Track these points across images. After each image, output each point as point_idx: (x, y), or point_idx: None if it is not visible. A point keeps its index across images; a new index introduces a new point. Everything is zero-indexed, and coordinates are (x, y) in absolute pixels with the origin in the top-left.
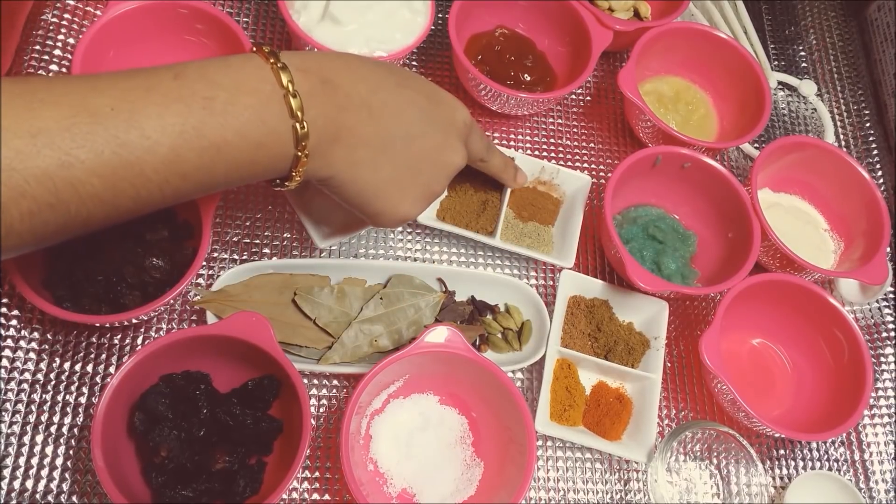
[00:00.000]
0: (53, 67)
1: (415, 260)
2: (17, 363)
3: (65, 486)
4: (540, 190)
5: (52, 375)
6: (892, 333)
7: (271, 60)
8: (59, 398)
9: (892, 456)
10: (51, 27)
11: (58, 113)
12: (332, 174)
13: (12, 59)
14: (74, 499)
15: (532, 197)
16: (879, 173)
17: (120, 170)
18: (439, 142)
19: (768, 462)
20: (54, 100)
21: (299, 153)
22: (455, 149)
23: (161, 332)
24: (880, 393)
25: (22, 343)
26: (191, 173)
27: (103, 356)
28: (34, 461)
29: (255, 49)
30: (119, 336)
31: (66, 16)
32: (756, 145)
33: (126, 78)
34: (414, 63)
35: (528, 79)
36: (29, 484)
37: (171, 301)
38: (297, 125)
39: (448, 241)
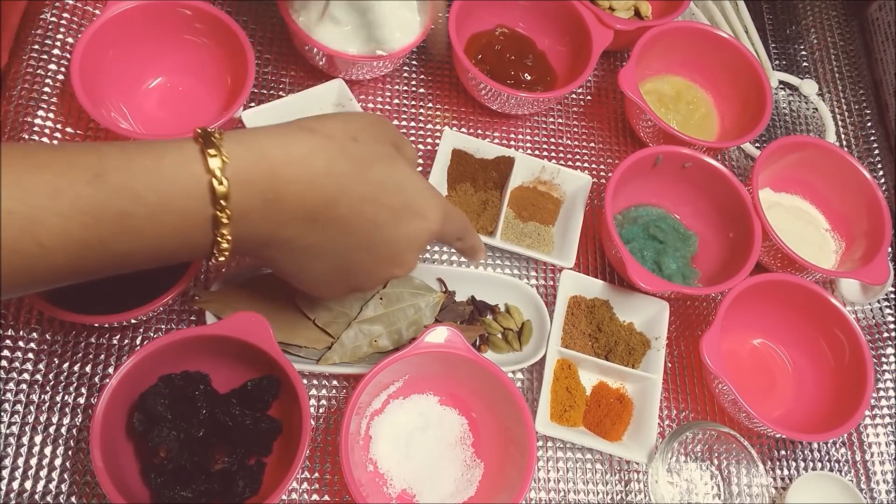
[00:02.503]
0: (52, 67)
1: None
2: (17, 363)
3: (64, 487)
4: (540, 190)
5: (51, 376)
6: (893, 333)
7: (211, 167)
8: (59, 398)
9: (893, 456)
10: (50, 26)
11: None
12: (260, 259)
13: (8, 57)
14: (73, 499)
15: (532, 197)
16: (881, 173)
17: (7, 273)
18: (387, 256)
19: (769, 463)
20: None
21: (216, 256)
22: (402, 263)
23: (160, 333)
24: (881, 393)
25: (21, 343)
26: (91, 272)
27: (102, 356)
28: (33, 461)
29: (199, 137)
30: (118, 336)
31: (66, 15)
32: (757, 145)
33: (34, 172)
34: (414, 62)
35: (529, 78)
36: (28, 484)
37: (171, 301)
38: (220, 240)
39: None
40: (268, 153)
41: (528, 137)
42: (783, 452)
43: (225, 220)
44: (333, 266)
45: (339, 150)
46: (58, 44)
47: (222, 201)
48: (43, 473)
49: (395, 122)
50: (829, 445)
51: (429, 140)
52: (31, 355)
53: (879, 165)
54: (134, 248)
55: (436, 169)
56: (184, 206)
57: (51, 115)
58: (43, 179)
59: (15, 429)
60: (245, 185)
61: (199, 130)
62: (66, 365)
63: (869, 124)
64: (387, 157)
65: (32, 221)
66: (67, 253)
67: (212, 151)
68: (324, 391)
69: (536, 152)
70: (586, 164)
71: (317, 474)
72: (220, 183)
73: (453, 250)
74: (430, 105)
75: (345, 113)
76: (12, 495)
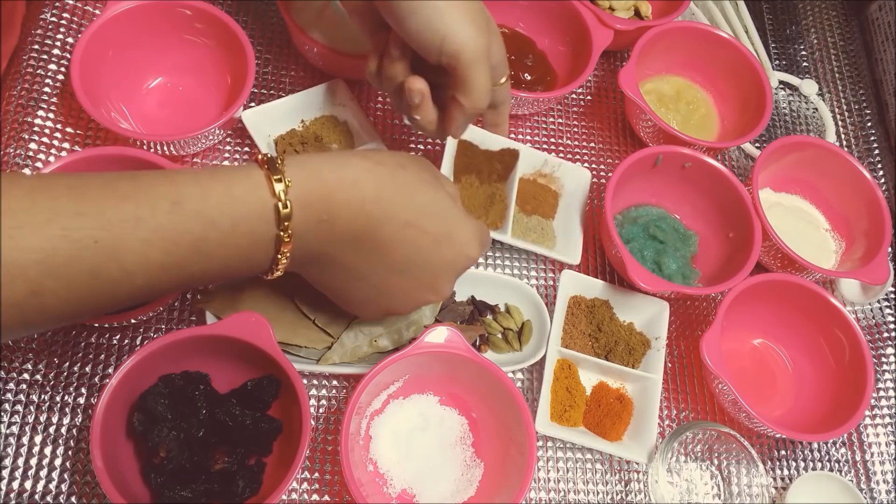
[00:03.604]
0: (52, 67)
1: None
2: (16, 363)
3: (63, 487)
4: (540, 182)
5: (51, 376)
6: (893, 333)
7: (276, 192)
8: (58, 398)
9: (893, 456)
10: (50, 26)
11: (35, 244)
12: (301, 272)
13: (9, 59)
14: (73, 499)
15: (534, 189)
16: (881, 173)
17: (89, 298)
18: (424, 282)
19: (769, 462)
20: (34, 227)
21: (274, 271)
22: (437, 289)
23: (160, 332)
24: (881, 393)
25: (21, 343)
26: (165, 291)
27: (102, 356)
28: (33, 462)
29: (264, 164)
30: (118, 336)
31: (66, 15)
32: (757, 145)
33: (117, 202)
34: None
35: (529, 78)
36: (28, 484)
37: (171, 301)
38: (280, 258)
39: None
40: (324, 177)
41: (529, 137)
42: (783, 452)
43: (287, 240)
44: (372, 287)
45: (388, 175)
46: (58, 44)
47: (285, 223)
48: (43, 473)
49: (395, 121)
50: (829, 445)
51: (429, 140)
52: (31, 355)
53: (879, 165)
54: (206, 269)
55: (446, 161)
56: (252, 229)
57: (51, 115)
58: (125, 209)
59: (15, 429)
60: (304, 207)
61: (263, 157)
62: (66, 365)
63: (869, 124)
64: (431, 186)
65: (116, 249)
66: (148, 276)
67: (276, 177)
68: (324, 391)
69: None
70: (586, 164)
71: (317, 474)
72: (285, 206)
73: None
74: None
75: (392, 151)
76: (12, 495)
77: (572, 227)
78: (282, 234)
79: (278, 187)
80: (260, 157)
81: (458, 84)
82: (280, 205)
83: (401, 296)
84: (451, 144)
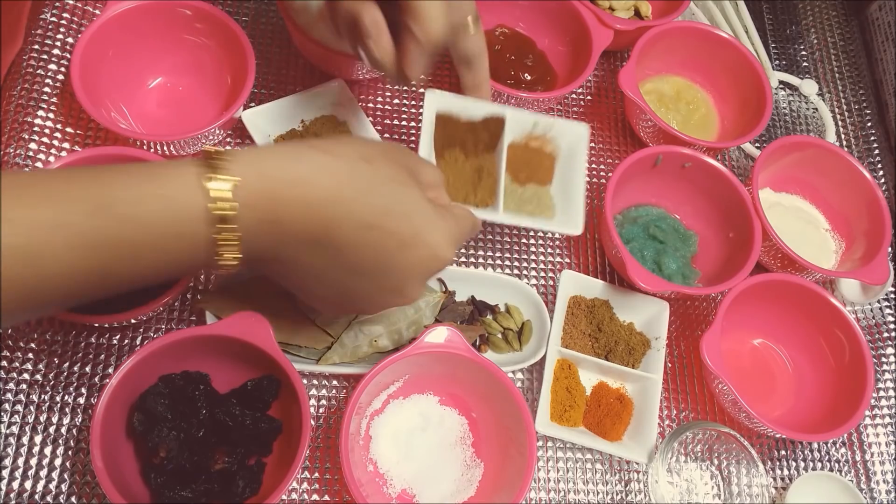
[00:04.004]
0: (52, 67)
1: None
2: (16, 363)
3: (63, 487)
4: (533, 146)
5: (51, 376)
6: (894, 333)
7: (211, 192)
8: (58, 398)
9: (893, 456)
10: (50, 26)
11: None
12: (261, 271)
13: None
14: (73, 499)
15: (526, 155)
16: (881, 173)
17: (13, 308)
18: (390, 285)
19: (769, 463)
20: None
21: (221, 269)
22: (405, 293)
23: (160, 332)
24: (881, 393)
25: (21, 343)
26: (96, 296)
27: (102, 356)
28: (33, 462)
29: (202, 160)
30: (118, 336)
31: (66, 15)
32: (757, 145)
33: (35, 206)
34: None
35: (529, 78)
36: (28, 484)
37: (171, 301)
38: (223, 260)
39: None
40: (270, 173)
41: None
42: (783, 452)
43: (225, 243)
44: (332, 288)
45: (346, 171)
46: (58, 44)
47: (223, 224)
48: (43, 473)
49: (395, 122)
50: (829, 445)
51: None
52: (31, 355)
53: (879, 165)
54: (138, 273)
55: (424, 139)
56: (186, 231)
57: (51, 115)
58: (44, 214)
59: (15, 429)
60: (246, 208)
61: (204, 150)
62: (66, 365)
63: (869, 124)
64: (398, 182)
65: (33, 255)
66: (71, 282)
67: (213, 175)
68: (324, 391)
69: None
70: (586, 164)
71: (317, 474)
72: (222, 209)
73: None
74: None
75: (362, 137)
76: (12, 495)
77: (573, 191)
78: (220, 237)
79: (214, 186)
80: (202, 149)
81: (408, 7)
82: (215, 206)
83: (364, 298)
84: (427, 120)
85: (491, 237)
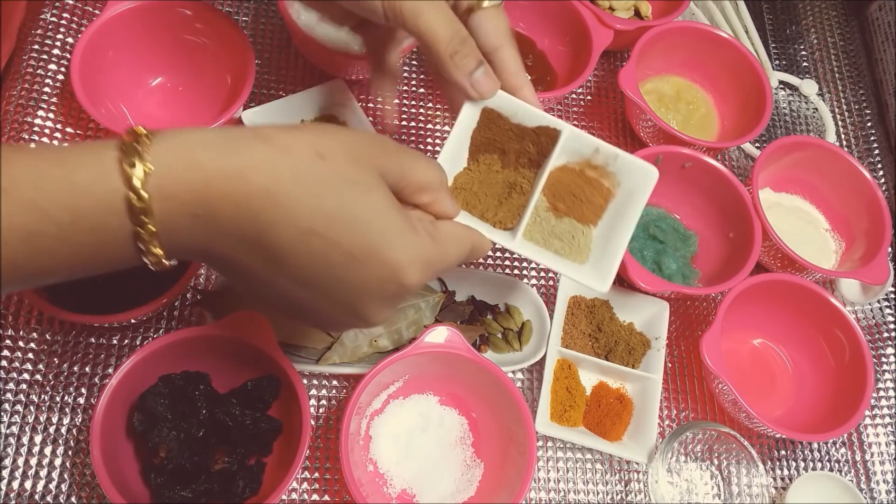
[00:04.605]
0: (52, 67)
1: None
2: (16, 363)
3: (63, 487)
4: (588, 175)
5: (50, 376)
6: (893, 333)
7: (130, 179)
8: (58, 398)
9: (893, 456)
10: (49, 26)
11: None
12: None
13: (8, 60)
14: (73, 499)
15: (576, 184)
16: (881, 173)
17: None
18: (343, 304)
19: (769, 463)
20: None
21: (151, 267)
22: (363, 315)
23: (160, 332)
24: (881, 393)
25: (21, 343)
26: (7, 289)
27: (102, 356)
28: (33, 461)
29: (122, 142)
30: (118, 336)
31: (66, 15)
32: (757, 145)
33: None
34: (414, 62)
35: (529, 78)
36: (28, 484)
37: (171, 301)
38: (148, 256)
39: None
40: (201, 163)
41: None
42: (783, 452)
43: (147, 237)
44: (280, 297)
45: (290, 166)
46: (58, 44)
47: (143, 216)
48: (43, 473)
49: (395, 121)
50: (829, 445)
51: (429, 140)
52: (31, 355)
53: (879, 165)
54: (49, 268)
55: (456, 132)
56: (100, 224)
57: (51, 115)
58: None
59: (15, 429)
60: (169, 199)
61: (130, 130)
62: (66, 365)
63: (869, 124)
64: (356, 185)
65: None
66: None
67: (133, 160)
68: (324, 391)
69: None
70: (640, 213)
71: (317, 474)
72: (139, 198)
73: None
74: (430, 105)
75: (330, 126)
76: (12, 495)
77: (615, 240)
78: (140, 230)
79: (134, 173)
80: (128, 129)
81: (414, 34)
82: (133, 195)
83: (317, 314)
84: (470, 112)
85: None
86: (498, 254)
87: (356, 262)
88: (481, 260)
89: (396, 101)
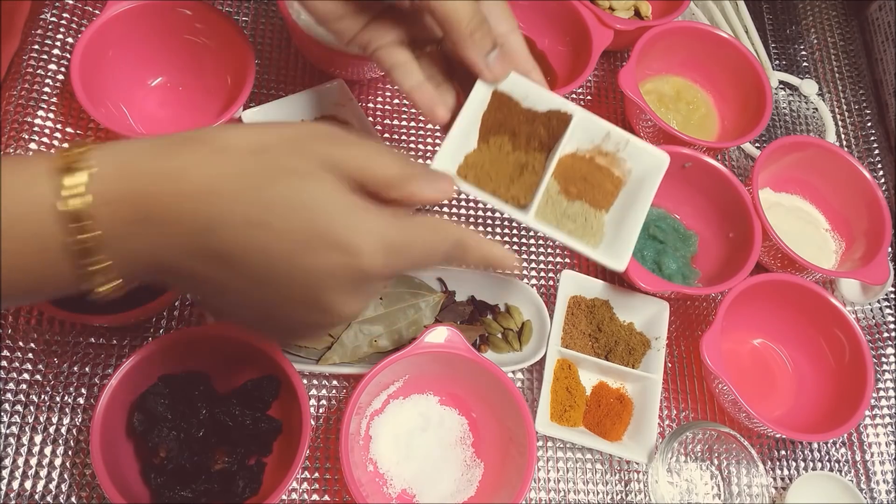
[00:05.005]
0: (52, 67)
1: None
2: (16, 363)
3: (63, 487)
4: (598, 163)
5: (50, 376)
6: (894, 333)
7: (65, 186)
8: (59, 398)
9: (893, 456)
10: (49, 26)
11: None
12: (169, 284)
13: (10, 61)
14: (73, 499)
15: (587, 170)
16: (881, 173)
17: None
18: (300, 297)
19: (769, 463)
20: None
21: (96, 287)
22: (322, 307)
23: (160, 332)
24: (881, 393)
25: (21, 343)
26: None
27: (102, 356)
28: (33, 461)
29: (62, 153)
30: (118, 336)
31: (66, 15)
32: (757, 145)
33: None
34: None
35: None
36: (28, 484)
37: (171, 301)
38: (91, 270)
39: None
40: (139, 167)
41: None
42: (783, 452)
43: (89, 247)
44: (243, 306)
45: (226, 164)
46: (58, 44)
47: (79, 224)
48: (43, 473)
49: (395, 122)
50: (829, 445)
51: (429, 140)
52: (31, 355)
53: (879, 165)
54: (11, 287)
55: (466, 110)
56: (33, 232)
57: (51, 115)
58: None
59: (15, 429)
60: (107, 205)
61: (70, 143)
62: (66, 365)
63: (869, 124)
64: (296, 174)
65: None
66: None
67: (68, 166)
68: (324, 391)
69: None
70: (652, 198)
71: (317, 474)
72: (75, 205)
73: None
74: None
75: (278, 122)
76: (12, 495)
77: (629, 223)
78: (80, 238)
79: (69, 181)
80: (69, 144)
81: (438, 20)
82: (65, 203)
83: (282, 316)
84: (481, 93)
85: (491, 237)
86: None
87: (306, 248)
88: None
89: (397, 100)
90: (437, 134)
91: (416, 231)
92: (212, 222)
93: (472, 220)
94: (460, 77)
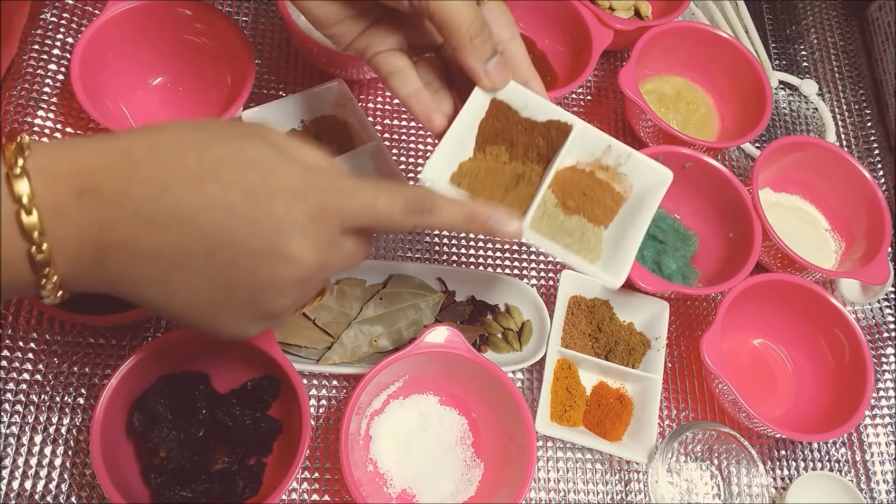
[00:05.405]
0: (52, 67)
1: (415, 260)
2: (16, 363)
3: (64, 487)
4: (598, 177)
5: (50, 376)
6: (893, 333)
7: (11, 163)
8: (58, 398)
9: (893, 456)
10: (49, 26)
11: None
12: (117, 291)
13: (10, 61)
14: (73, 499)
15: (586, 184)
16: (881, 173)
17: None
18: (259, 249)
19: (769, 463)
20: None
21: (44, 280)
22: (287, 255)
23: (160, 333)
24: (881, 393)
25: (21, 343)
26: None
27: (102, 356)
28: (33, 461)
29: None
30: (118, 336)
31: (66, 15)
32: (757, 145)
33: None
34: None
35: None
36: (28, 484)
37: None
38: (34, 249)
39: (449, 239)
40: (79, 147)
41: None
42: (783, 452)
43: (28, 214)
44: (202, 281)
45: (167, 140)
46: (58, 44)
47: (20, 191)
48: (43, 473)
49: (395, 122)
50: (829, 445)
51: (428, 140)
52: (31, 355)
53: (879, 165)
54: None
55: (462, 116)
56: None
57: (51, 115)
58: None
59: (15, 429)
60: (51, 178)
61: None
62: (65, 365)
63: (869, 124)
64: (235, 135)
65: None
66: None
67: (18, 140)
68: (324, 391)
69: None
70: (653, 215)
71: (317, 474)
72: (17, 174)
73: (453, 249)
74: None
75: (213, 120)
76: (12, 495)
77: (627, 239)
78: (23, 201)
79: (13, 156)
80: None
81: (437, 25)
82: (15, 169)
83: (243, 278)
84: (479, 100)
85: (490, 239)
86: (498, 253)
87: (258, 195)
88: (481, 260)
89: (397, 100)
90: None
91: (356, 182)
92: (165, 183)
93: None
94: (459, 84)
